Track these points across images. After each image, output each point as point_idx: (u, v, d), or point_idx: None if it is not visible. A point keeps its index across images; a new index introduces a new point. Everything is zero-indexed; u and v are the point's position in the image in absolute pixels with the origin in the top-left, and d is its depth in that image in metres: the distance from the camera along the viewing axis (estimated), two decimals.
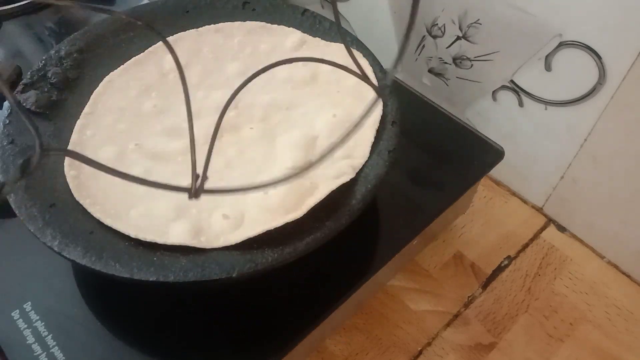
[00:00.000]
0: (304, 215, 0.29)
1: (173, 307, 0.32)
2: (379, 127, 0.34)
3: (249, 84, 0.38)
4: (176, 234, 0.29)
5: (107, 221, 0.30)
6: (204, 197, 0.31)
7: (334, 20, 0.40)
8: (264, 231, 0.29)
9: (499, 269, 0.44)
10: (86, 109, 0.36)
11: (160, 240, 0.29)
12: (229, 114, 0.35)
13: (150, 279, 0.27)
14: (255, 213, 0.30)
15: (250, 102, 0.36)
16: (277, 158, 0.33)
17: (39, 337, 0.31)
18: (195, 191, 0.21)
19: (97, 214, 0.30)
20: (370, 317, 0.41)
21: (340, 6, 0.54)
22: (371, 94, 0.36)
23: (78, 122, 0.35)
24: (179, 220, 0.30)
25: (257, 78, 0.38)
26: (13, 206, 0.29)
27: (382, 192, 0.36)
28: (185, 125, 0.35)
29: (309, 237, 0.29)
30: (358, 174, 0.32)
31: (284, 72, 0.38)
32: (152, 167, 0.33)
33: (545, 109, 0.42)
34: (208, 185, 0.32)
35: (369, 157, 0.33)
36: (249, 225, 0.29)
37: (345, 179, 0.31)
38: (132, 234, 0.29)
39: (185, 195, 0.31)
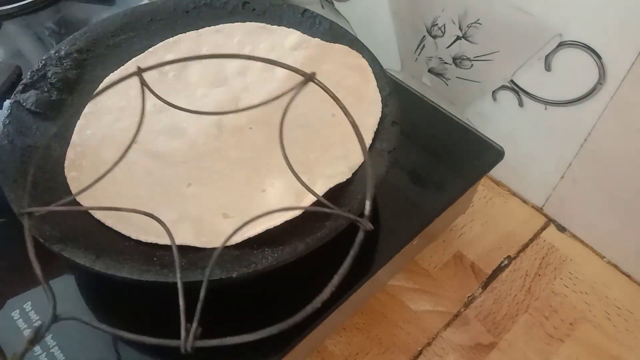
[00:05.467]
0: (304, 215, 0.29)
1: (173, 307, 0.32)
2: (378, 127, 0.34)
3: (249, 85, 0.38)
4: (177, 235, 0.29)
5: (108, 222, 0.30)
6: (203, 197, 0.31)
7: (333, 20, 0.40)
8: (264, 230, 0.29)
9: (499, 269, 0.44)
10: (86, 109, 0.36)
11: (161, 241, 0.29)
12: (228, 114, 0.35)
13: (150, 279, 0.27)
14: (255, 212, 0.30)
15: (250, 102, 0.36)
16: (278, 157, 0.33)
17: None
18: (187, 346, 0.22)
19: (97, 215, 0.30)
20: (370, 317, 0.41)
21: (340, 6, 0.54)
22: (371, 94, 0.36)
23: (78, 122, 0.35)
24: (179, 220, 0.30)
25: (258, 77, 0.38)
26: (13, 206, 0.29)
27: (382, 192, 0.36)
28: (185, 124, 0.35)
29: (309, 237, 0.29)
30: (357, 174, 0.32)
31: (284, 71, 0.38)
32: (153, 167, 0.33)
33: (545, 109, 0.42)
34: (210, 185, 0.32)
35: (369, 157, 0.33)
36: (249, 225, 0.29)
37: (342, 178, 0.31)
38: (133, 235, 0.29)
39: (185, 196, 0.31)
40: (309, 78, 0.26)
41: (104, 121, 0.35)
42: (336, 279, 0.22)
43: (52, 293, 0.23)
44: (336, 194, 0.31)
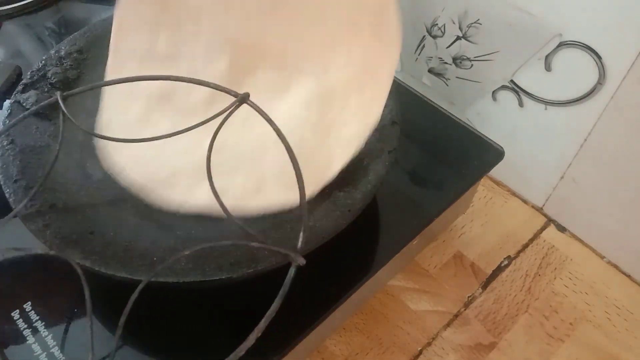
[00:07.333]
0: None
1: (173, 307, 0.32)
2: (378, 127, 0.34)
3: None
4: (199, 198, 0.29)
5: (135, 187, 0.30)
6: (223, 166, 0.30)
7: None
8: (282, 209, 0.28)
9: (499, 269, 0.44)
10: (110, 61, 0.35)
11: (186, 204, 0.29)
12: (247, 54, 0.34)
13: (150, 279, 0.27)
14: (273, 186, 0.30)
15: (260, 43, 0.34)
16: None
17: (39, 337, 0.31)
18: None
19: (125, 182, 0.30)
20: (370, 317, 0.41)
21: None
22: (391, 29, 0.32)
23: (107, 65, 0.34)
24: (202, 184, 0.29)
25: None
26: (13, 206, 0.29)
27: (382, 192, 0.36)
28: (205, 72, 0.33)
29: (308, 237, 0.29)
30: (358, 174, 0.32)
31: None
32: (178, 121, 0.32)
33: (545, 109, 0.42)
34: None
35: (369, 157, 0.33)
36: (267, 196, 0.29)
37: (360, 142, 0.30)
38: (163, 193, 0.29)
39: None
40: (242, 99, 0.26)
41: (127, 70, 0.34)
42: (262, 323, 0.21)
43: None
44: (341, 193, 0.31)
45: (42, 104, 0.28)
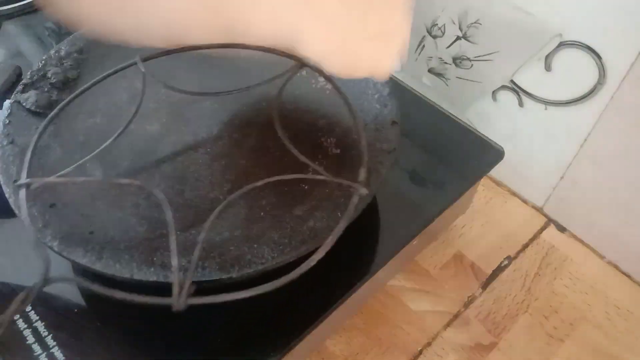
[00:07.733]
0: (304, 214, 0.29)
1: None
2: (378, 127, 0.34)
3: None
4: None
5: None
6: None
7: None
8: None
9: (499, 269, 0.44)
10: None
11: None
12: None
13: (150, 279, 0.27)
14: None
15: None
16: None
17: (39, 337, 0.31)
18: (179, 303, 0.22)
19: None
20: (370, 317, 0.41)
21: None
22: None
23: None
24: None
25: None
26: (13, 206, 0.29)
27: (382, 192, 0.36)
28: None
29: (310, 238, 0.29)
30: (357, 173, 0.32)
31: None
32: None
33: (545, 109, 0.42)
34: None
35: (369, 158, 0.32)
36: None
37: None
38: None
39: None
40: (304, 63, 0.27)
41: None
42: (330, 239, 0.23)
43: (47, 255, 0.23)
44: (341, 193, 0.31)
45: (122, 65, 0.30)
